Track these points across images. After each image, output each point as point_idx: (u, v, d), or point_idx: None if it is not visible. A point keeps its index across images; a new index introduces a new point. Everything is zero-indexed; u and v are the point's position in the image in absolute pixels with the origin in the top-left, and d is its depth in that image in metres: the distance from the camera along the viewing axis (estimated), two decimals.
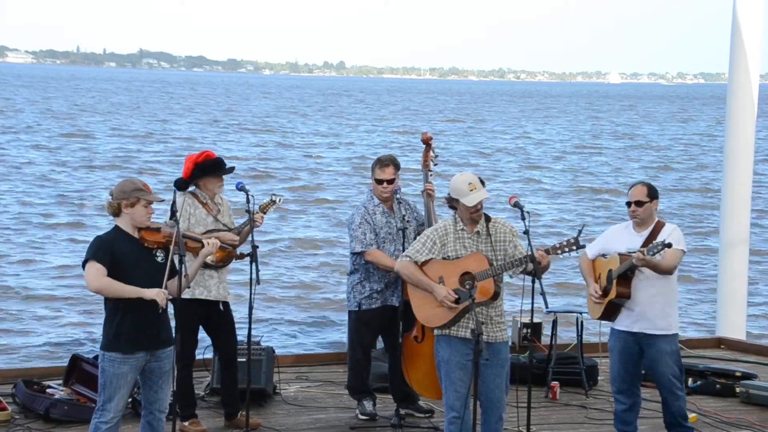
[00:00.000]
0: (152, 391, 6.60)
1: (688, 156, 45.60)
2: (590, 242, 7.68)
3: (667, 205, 27.82)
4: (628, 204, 7.47)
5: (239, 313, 9.67)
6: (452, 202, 6.91)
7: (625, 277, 7.33)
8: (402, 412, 8.39)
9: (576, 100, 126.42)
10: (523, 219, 6.94)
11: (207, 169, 7.94)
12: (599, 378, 9.81)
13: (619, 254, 7.36)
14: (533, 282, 6.96)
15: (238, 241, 7.99)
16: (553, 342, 9.66)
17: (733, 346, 11.43)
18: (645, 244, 7.29)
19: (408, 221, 8.34)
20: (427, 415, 8.58)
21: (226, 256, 7.97)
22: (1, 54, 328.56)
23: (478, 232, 6.89)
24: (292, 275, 18.39)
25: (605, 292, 7.41)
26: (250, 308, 7.75)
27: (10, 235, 21.18)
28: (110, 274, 6.35)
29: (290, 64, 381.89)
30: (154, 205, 6.50)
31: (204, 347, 8.60)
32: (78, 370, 8.64)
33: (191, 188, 7.99)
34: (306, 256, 20.12)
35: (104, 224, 19.15)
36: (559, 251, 6.91)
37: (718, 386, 9.52)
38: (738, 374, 9.69)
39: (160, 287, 6.41)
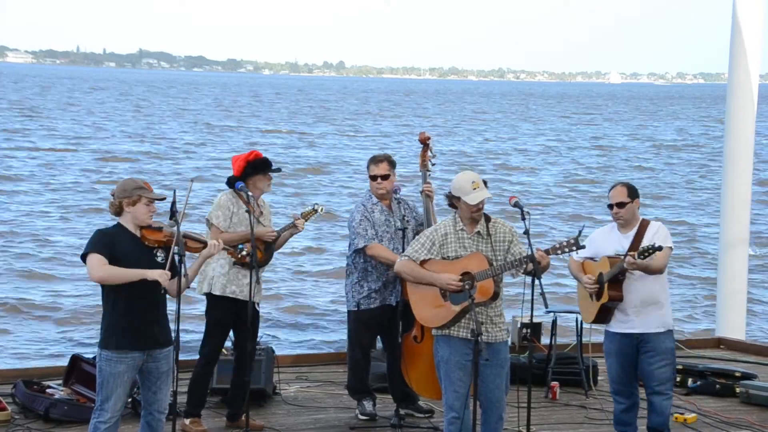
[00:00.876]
0: (151, 391, 6.60)
1: None
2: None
3: None
4: (610, 206, 7.48)
5: None
6: (453, 200, 6.92)
7: (616, 280, 7.34)
8: (402, 412, 8.39)
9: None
10: (523, 219, 6.94)
11: (257, 167, 8.07)
12: (599, 378, 9.82)
13: (608, 257, 7.37)
14: (533, 282, 6.96)
15: (274, 237, 8.10)
16: (553, 342, 9.66)
17: (732, 346, 11.43)
18: (633, 245, 7.29)
19: (408, 221, 8.35)
20: (426, 415, 8.58)
21: (264, 259, 8.08)
22: (1, 54, 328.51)
23: (478, 232, 6.89)
24: (292, 274, 18.39)
25: (599, 292, 7.41)
26: (250, 308, 7.76)
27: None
28: None
29: (290, 64, 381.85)
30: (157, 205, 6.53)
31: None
32: (78, 370, 8.64)
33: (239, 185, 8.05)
34: (306, 255, 20.11)
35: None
36: (559, 251, 6.91)
37: (717, 386, 9.52)
38: (738, 374, 9.69)
39: (158, 287, 6.42)
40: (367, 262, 8.30)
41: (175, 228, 6.52)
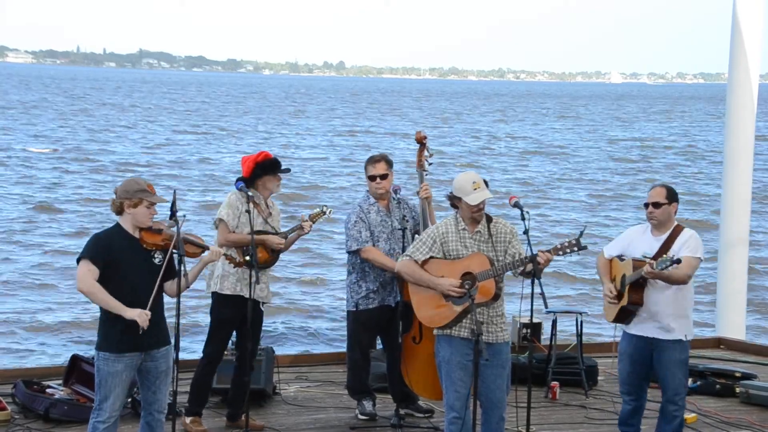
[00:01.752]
0: (150, 391, 6.60)
1: None
2: (592, 243, 7.65)
3: None
4: (646, 205, 7.37)
5: None
6: (454, 200, 6.92)
7: (638, 284, 7.25)
8: (402, 412, 8.39)
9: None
10: (523, 219, 6.94)
11: (267, 168, 8.09)
12: (599, 378, 9.81)
13: (634, 260, 7.28)
14: (533, 282, 6.95)
15: (284, 245, 8.08)
16: (553, 342, 9.66)
17: (732, 346, 11.43)
18: (661, 250, 7.20)
19: (408, 221, 8.35)
20: (426, 415, 8.58)
21: (270, 260, 8.07)
22: (1, 54, 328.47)
23: (479, 231, 6.89)
24: (292, 274, 18.39)
25: (619, 296, 7.37)
26: (250, 308, 7.76)
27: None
28: (105, 273, 6.36)
29: (290, 64, 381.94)
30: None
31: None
32: (78, 370, 8.64)
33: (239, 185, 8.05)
34: (306, 255, 20.11)
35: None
36: (560, 252, 6.88)
37: (717, 386, 9.52)
38: (738, 374, 9.69)
39: (153, 288, 6.42)
40: (364, 262, 8.30)
41: (174, 229, 6.53)
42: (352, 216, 8.38)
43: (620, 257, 7.42)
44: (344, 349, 9.34)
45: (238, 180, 8.06)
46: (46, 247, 20.11)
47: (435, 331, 6.95)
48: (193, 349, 11.58)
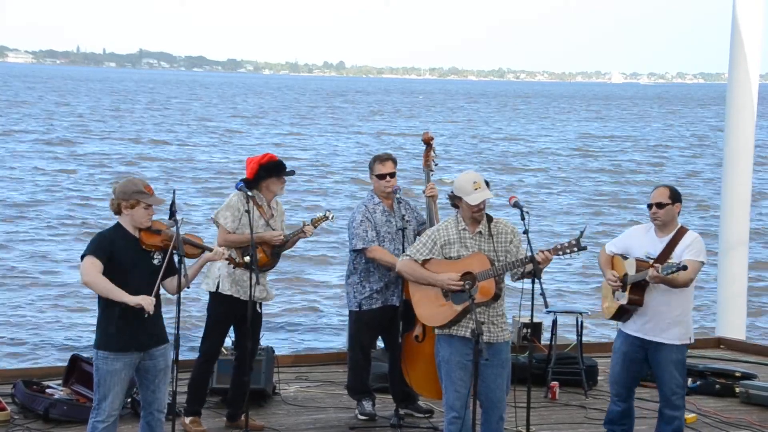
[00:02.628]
0: (149, 390, 6.61)
1: None
2: (592, 244, 7.64)
3: None
4: (649, 206, 7.34)
5: None
6: (455, 200, 6.92)
7: (639, 285, 7.23)
8: (401, 412, 8.39)
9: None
10: (523, 219, 6.94)
11: (270, 170, 8.07)
12: (599, 378, 9.81)
13: (637, 260, 7.26)
14: (533, 282, 6.95)
15: (282, 241, 8.08)
16: (553, 342, 9.66)
17: (732, 346, 11.43)
18: (664, 252, 7.19)
19: (408, 221, 8.34)
20: (426, 415, 8.58)
21: (269, 263, 8.07)
22: (1, 54, 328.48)
23: (480, 232, 6.89)
24: (292, 274, 18.39)
25: (623, 286, 7.32)
26: (250, 308, 7.76)
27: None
28: (107, 272, 6.37)
29: (290, 64, 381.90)
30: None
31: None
32: (78, 370, 8.64)
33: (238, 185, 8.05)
34: (306, 255, 20.11)
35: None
36: (560, 252, 6.89)
37: (717, 386, 9.52)
38: (738, 374, 9.68)
39: (153, 288, 6.44)
40: (368, 262, 8.30)
41: (174, 229, 6.53)
42: (357, 215, 8.37)
43: (623, 256, 7.40)
44: (344, 349, 9.35)
45: (239, 181, 8.07)
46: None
47: (436, 331, 6.96)
48: (192, 347, 11.57)
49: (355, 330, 8.50)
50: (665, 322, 7.25)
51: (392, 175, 8.37)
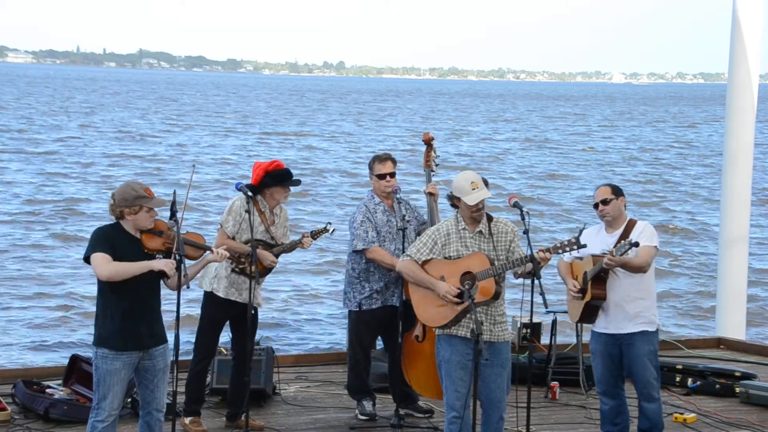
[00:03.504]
0: (148, 390, 6.60)
1: None
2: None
3: None
4: (595, 206, 7.49)
5: None
6: (454, 201, 6.93)
7: (600, 278, 7.35)
8: (401, 412, 8.39)
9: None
10: (523, 219, 6.95)
11: (276, 179, 8.03)
12: None
13: (593, 255, 7.38)
14: (533, 282, 6.96)
15: (273, 266, 8.07)
16: (553, 342, 9.66)
17: (732, 346, 11.43)
18: (616, 245, 7.28)
19: (408, 221, 8.35)
20: (426, 415, 8.58)
21: (264, 271, 8.06)
22: (1, 54, 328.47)
23: (480, 231, 6.89)
24: (292, 274, 18.39)
25: (582, 293, 7.42)
26: (250, 307, 7.77)
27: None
28: None
29: (290, 64, 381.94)
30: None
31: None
32: (78, 370, 8.64)
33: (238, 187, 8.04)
34: (306, 255, 20.10)
35: None
36: (560, 250, 6.91)
37: (717, 386, 9.52)
38: (737, 374, 9.69)
39: (153, 288, 6.47)
40: (368, 262, 8.30)
41: (175, 229, 6.53)
42: (357, 215, 8.37)
43: (578, 258, 7.50)
44: (344, 349, 9.35)
45: (238, 182, 8.05)
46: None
47: (435, 331, 6.96)
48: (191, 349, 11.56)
49: (355, 330, 8.50)
50: (629, 311, 7.36)
51: (392, 174, 8.38)
